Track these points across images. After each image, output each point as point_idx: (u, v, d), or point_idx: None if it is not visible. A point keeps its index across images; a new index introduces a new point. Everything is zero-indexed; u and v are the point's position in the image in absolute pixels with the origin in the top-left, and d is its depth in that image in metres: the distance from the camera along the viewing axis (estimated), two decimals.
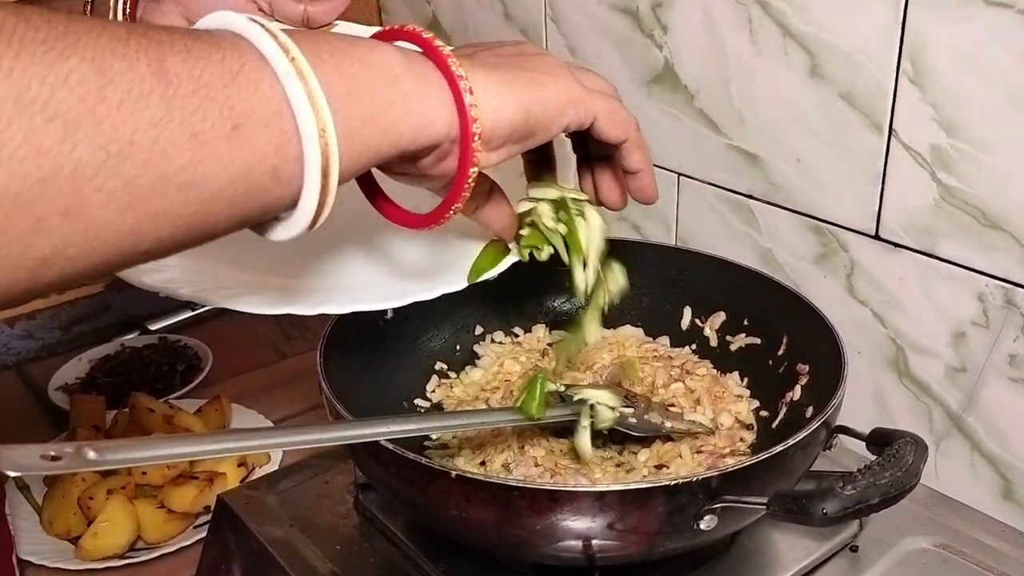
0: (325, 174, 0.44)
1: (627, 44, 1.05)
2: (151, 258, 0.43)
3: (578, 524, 0.60)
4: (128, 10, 0.83)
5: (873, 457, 0.61)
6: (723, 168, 0.99)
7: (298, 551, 0.77)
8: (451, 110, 0.50)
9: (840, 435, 0.71)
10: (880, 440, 0.63)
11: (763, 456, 0.62)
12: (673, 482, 0.59)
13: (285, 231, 0.47)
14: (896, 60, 0.81)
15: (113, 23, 0.41)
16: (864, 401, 0.92)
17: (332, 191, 0.45)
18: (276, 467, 1.04)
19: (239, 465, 1.04)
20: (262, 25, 0.44)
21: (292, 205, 0.45)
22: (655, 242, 1.00)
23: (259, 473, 1.05)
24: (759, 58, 0.92)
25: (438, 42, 0.50)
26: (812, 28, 0.86)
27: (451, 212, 0.54)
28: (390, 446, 0.63)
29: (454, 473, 0.60)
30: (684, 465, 0.74)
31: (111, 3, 0.82)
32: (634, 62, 1.05)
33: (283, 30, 0.44)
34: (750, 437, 0.80)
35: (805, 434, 0.63)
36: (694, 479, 0.59)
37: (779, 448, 0.62)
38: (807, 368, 0.80)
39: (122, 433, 1.11)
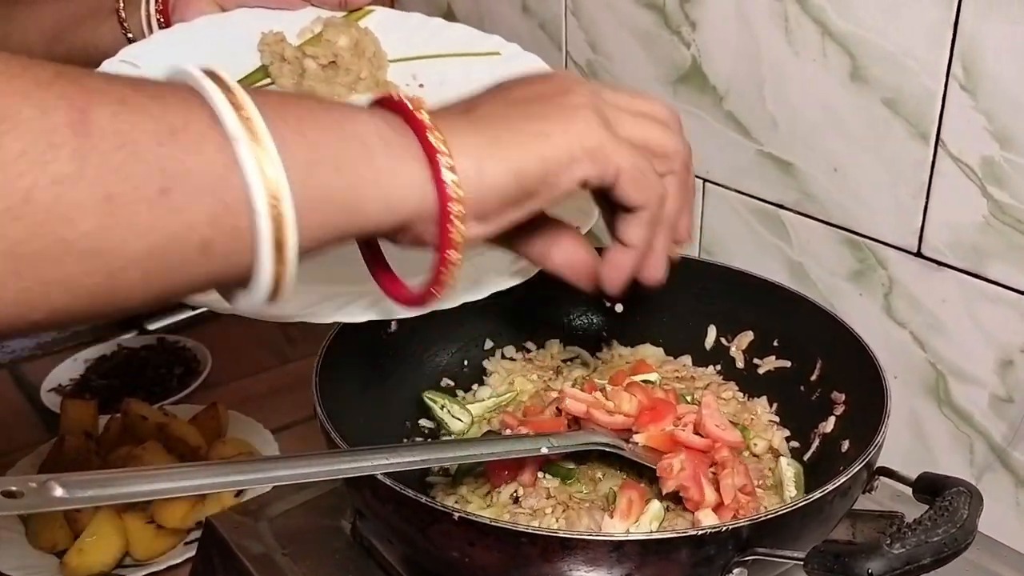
0: (279, 248, 0.39)
1: (652, 41, 0.99)
2: (45, 329, 0.38)
3: (592, 575, 0.54)
4: (159, 3, 0.79)
5: (924, 507, 0.55)
6: (752, 175, 0.93)
7: None
8: (427, 187, 0.44)
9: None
10: (929, 487, 0.57)
11: (800, 503, 0.56)
12: (700, 532, 0.53)
13: (246, 301, 0.42)
14: (946, 64, 0.74)
15: (42, 64, 0.36)
16: (900, 430, 0.86)
17: (290, 267, 0.40)
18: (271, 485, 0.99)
19: None
20: (219, 79, 0.39)
21: (242, 279, 0.41)
22: None
23: (255, 489, 0.99)
24: (795, 59, 0.85)
25: (422, 113, 0.45)
26: (854, 27, 0.80)
27: (435, 295, 0.49)
28: (388, 481, 0.57)
29: (457, 515, 0.55)
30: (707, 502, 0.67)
31: None
32: (659, 60, 0.99)
33: (252, 88, 0.40)
34: None
35: (845, 479, 0.57)
36: (723, 529, 0.53)
37: (817, 495, 0.56)
38: (843, 397, 0.74)
39: (114, 440, 1.06)
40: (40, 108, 0.34)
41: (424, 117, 0.44)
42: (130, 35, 0.80)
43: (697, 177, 0.98)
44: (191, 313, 1.36)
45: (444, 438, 0.79)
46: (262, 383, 1.25)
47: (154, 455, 0.99)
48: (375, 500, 0.60)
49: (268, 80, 0.78)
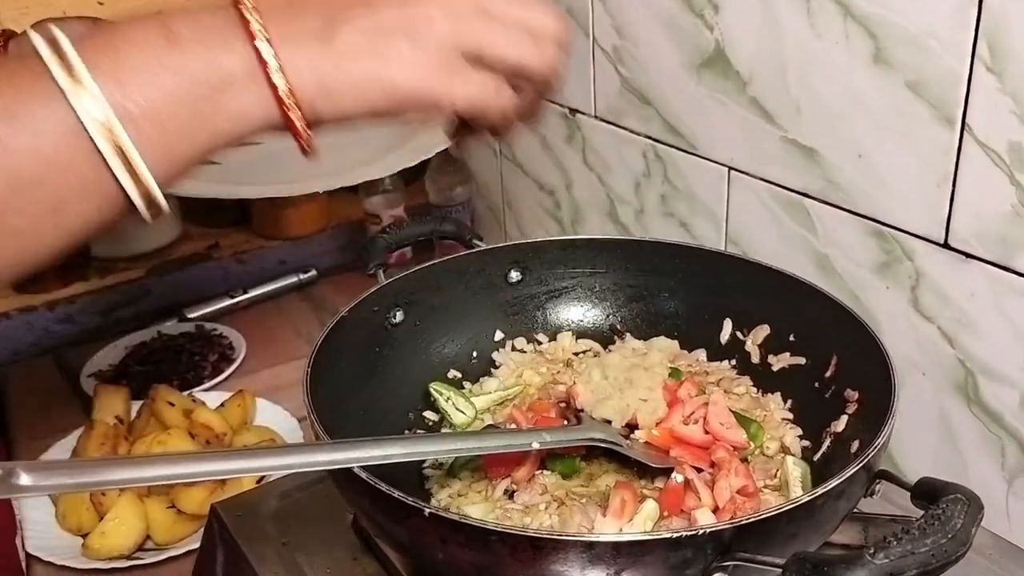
0: (132, 172, 0.45)
1: (676, 24, 0.96)
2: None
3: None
4: None
5: (919, 512, 0.52)
6: (777, 163, 0.90)
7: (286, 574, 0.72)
8: (269, 105, 0.48)
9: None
10: (927, 493, 0.54)
11: (786, 506, 0.53)
12: (675, 535, 0.51)
13: (139, 219, 0.48)
14: (971, 44, 0.70)
15: None
16: (928, 429, 0.82)
17: (150, 185, 0.46)
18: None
19: None
20: (53, 39, 0.44)
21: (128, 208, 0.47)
22: (693, 245, 0.91)
23: (275, 475, 1.00)
24: (818, 42, 0.82)
25: (262, 43, 0.47)
26: (876, 8, 0.76)
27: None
28: (363, 475, 0.56)
29: (427, 511, 0.53)
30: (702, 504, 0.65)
31: None
32: (683, 44, 0.96)
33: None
34: None
35: (839, 481, 0.54)
36: (700, 532, 0.51)
37: (805, 498, 0.53)
38: (856, 395, 0.71)
39: (143, 426, 1.08)
40: None
41: (261, 39, 0.46)
42: None
43: (721, 164, 0.96)
44: (229, 302, 1.38)
45: (444, 431, 0.78)
46: (294, 371, 1.25)
47: (178, 441, 1.01)
48: (354, 493, 0.59)
49: None
